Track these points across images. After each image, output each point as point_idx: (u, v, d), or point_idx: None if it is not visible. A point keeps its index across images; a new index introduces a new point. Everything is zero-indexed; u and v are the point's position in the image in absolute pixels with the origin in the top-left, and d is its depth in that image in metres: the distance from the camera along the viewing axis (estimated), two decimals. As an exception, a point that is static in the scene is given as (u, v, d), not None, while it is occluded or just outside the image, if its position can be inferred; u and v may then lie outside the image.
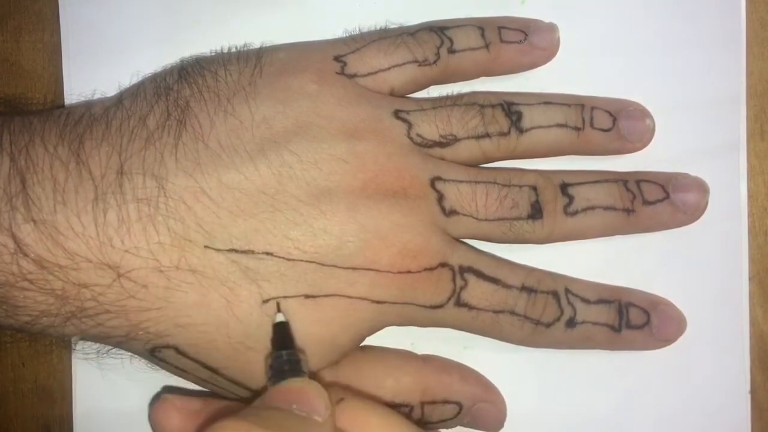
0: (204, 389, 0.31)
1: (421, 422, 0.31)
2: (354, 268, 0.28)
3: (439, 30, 0.32)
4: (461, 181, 0.30)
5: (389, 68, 0.31)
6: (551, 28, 0.33)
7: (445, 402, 0.31)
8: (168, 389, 0.33)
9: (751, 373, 0.33)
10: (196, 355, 0.28)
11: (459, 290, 0.30)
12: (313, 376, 0.29)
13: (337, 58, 0.31)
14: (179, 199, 0.27)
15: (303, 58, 0.31)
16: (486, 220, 0.30)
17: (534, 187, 0.31)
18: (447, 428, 0.32)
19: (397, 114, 0.30)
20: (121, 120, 0.29)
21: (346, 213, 0.28)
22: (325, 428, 0.23)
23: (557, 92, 0.33)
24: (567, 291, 0.31)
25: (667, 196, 0.32)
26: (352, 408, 0.26)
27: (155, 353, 0.28)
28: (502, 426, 0.32)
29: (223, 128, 0.29)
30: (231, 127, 0.29)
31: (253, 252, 0.28)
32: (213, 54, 0.32)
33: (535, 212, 0.31)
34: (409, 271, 0.29)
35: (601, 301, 0.31)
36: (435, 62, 0.31)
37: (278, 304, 0.28)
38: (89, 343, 0.30)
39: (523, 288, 0.30)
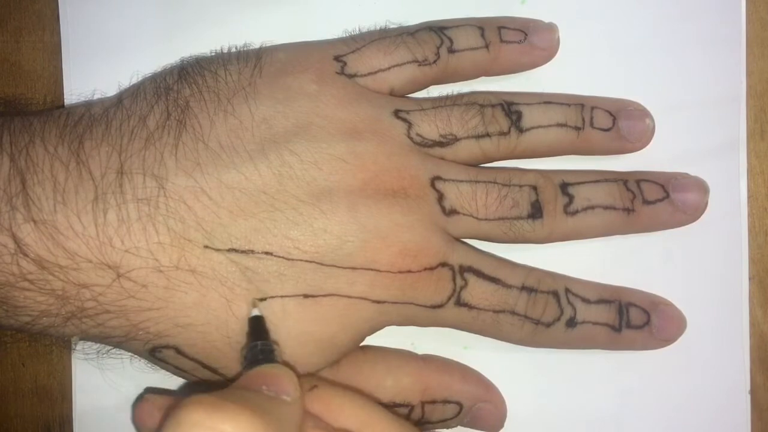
0: (188, 387, 0.31)
1: (421, 422, 0.31)
2: (354, 268, 0.28)
3: (439, 30, 0.32)
4: (461, 181, 0.30)
5: (389, 68, 0.31)
6: (551, 28, 0.33)
7: (446, 402, 0.31)
8: (159, 390, 0.33)
9: (751, 373, 0.33)
10: (196, 355, 0.28)
11: (459, 290, 0.30)
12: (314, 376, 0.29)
13: (337, 58, 0.31)
14: (179, 198, 0.27)
15: (303, 58, 0.31)
16: (486, 219, 0.30)
17: (534, 186, 0.31)
18: (447, 428, 0.32)
19: (397, 114, 0.30)
20: (121, 120, 0.29)
21: (346, 213, 0.28)
22: (293, 408, 0.24)
23: (557, 92, 0.33)
24: (567, 291, 0.31)
25: (667, 196, 0.32)
26: (326, 394, 0.26)
27: (155, 353, 0.28)
28: (502, 426, 0.32)
29: (223, 128, 0.29)
30: (231, 127, 0.29)
31: (253, 252, 0.28)
32: (213, 54, 0.32)
33: (535, 212, 0.31)
34: (409, 271, 0.29)
35: (601, 301, 0.31)
36: (435, 62, 0.31)
37: (254, 300, 0.28)
38: (89, 343, 0.30)
39: (524, 288, 0.30)
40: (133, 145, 0.28)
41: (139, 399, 0.29)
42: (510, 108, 0.31)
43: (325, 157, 0.29)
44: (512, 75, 0.33)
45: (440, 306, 0.30)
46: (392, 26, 0.32)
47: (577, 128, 0.32)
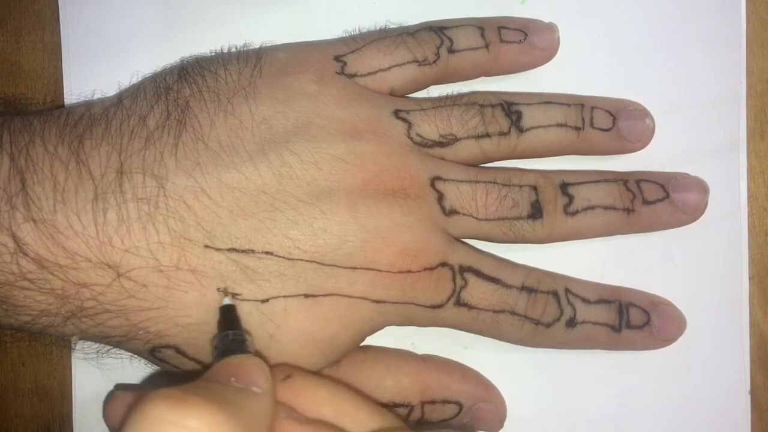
0: (156, 377, 0.31)
1: (421, 422, 0.31)
2: (354, 268, 0.28)
3: (439, 30, 0.32)
4: (461, 181, 0.30)
5: (389, 68, 0.31)
6: (551, 28, 0.33)
7: (445, 402, 0.31)
8: (129, 386, 0.32)
9: (751, 373, 0.33)
10: (196, 354, 0.28)
11: (459, 290, 0.30)
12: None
13: (337, 58, 0.31)
14: (179, 198, 0.27)
15: (303, 58, 0.31)
16: (486, 219, 0.30)
17: (534, 186, 0.31)
18: (448, 428, 0.32)
19: (396, 114, 0.30)
20: (121, 120, 0.29)
21: (346, 213, 0.28)
22: (263, 400, 0.23)
23: (557, 92, 0.33)
24: (567, 291, 0.31)
25: (667, 196, 0.32)
26: (300, 383, 0.25)
27: (155, 353, 0.28)
28: (502, 426, 0.32)
29: (223, 128, 0.29)
30: (231, 127, 0.29)
31: (253, 251, 0.28)
32: (213, 54, 0.32)
33: (535, 212, 0.31)
34: (409, 271, 0.29)
35: (601, 301, 0.31)
36: (435, 62, 0.31)
37: (226, 289, 0.27)
38: (89, 343, 0.30)
39: (523, 288, 0.30)
40: (133, 144, 0.28)
41: (110, 396, 0.29)
42: (510, 108, 0.31)
43: (325, 157, 0.29)
44: (512, 75, 0.33)
45: (440, 306, 0.30)
46: (392, 26, 0.32)
47: (577, 128, 0.32)
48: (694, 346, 0.32)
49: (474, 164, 0.31)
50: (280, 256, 0.28)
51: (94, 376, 0.33)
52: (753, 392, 0.33)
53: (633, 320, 0.31)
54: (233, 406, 0.21)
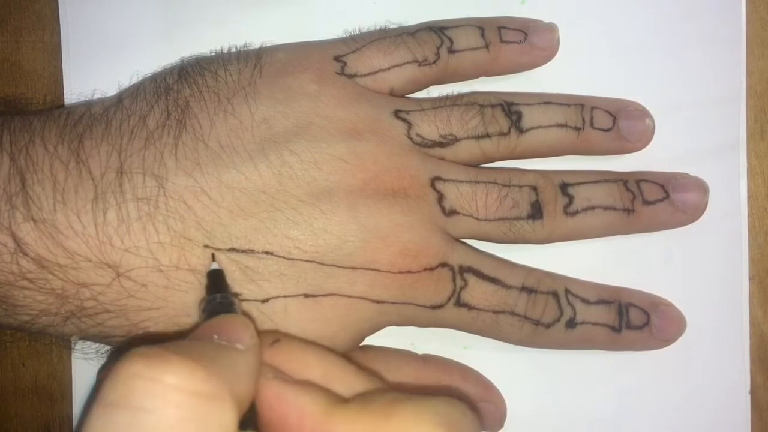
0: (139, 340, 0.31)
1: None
2: (354, 268, 0.28)
3: (439, 30, 0.32)
4: (461, 181, 0.30)
5: (389, 68, 0.31)
6: (551, 28, 0.33)
7: (445, 402, 0.31)
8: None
9: (751, 373, 0.33)
10: (196, 354, 0.28)
11: (459, 290, 0.30)
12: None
13: (337, 58, 0.31)
14: (179, 198, 0.27)
15: (303, 58, 0.31)
16: (486, 220, 0.30)
17: (534, 187, 0.31)
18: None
19: (396, 114, 0.30)
20: (121, 120, 0.29)
21: (346, 213, 0.28)
22: (247, 356, 0.22)
23: (557, 92, 0.33)
24: (567, 291, 0.31)
25: (667, 196, 0.32)
26: (289, 347, 0.25)
27: (155, 353, 0.28)
28: (502, 426, 0.32)
29: (223, 128, 0.29)
30: (231, 127, 0.29)
31: (253, 251, 0.28)
32: (213, 54, 0.32)
33: (535, 212, 0.31)
34: (409, 271, 0.29)
35: (601, 302, 0.31)
36: (435, 62, 0.31)
37: (213, 255, 0.27)
38: (89, 343, 0.30)
39: (523, 288, 0.30)
40: (133, 144, 0.28)
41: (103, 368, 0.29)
42: (510, 108, 0.31)
43: (325, 157, 0.29)
44: (512, 75, 0.33)
45: (440, 306, 0.30)
46: (392, 26, 0.32)
47: (577, 128, 0.32)
48: (694, 346, 0.32)
49: (474, 164, 0.31)
50: (280, 256, 0.28)
51: (94, 376, 0.33)
52: (753, 392, 0.33)
53: (633, 321, 0.31)
54: (212, 361, 0.20)
